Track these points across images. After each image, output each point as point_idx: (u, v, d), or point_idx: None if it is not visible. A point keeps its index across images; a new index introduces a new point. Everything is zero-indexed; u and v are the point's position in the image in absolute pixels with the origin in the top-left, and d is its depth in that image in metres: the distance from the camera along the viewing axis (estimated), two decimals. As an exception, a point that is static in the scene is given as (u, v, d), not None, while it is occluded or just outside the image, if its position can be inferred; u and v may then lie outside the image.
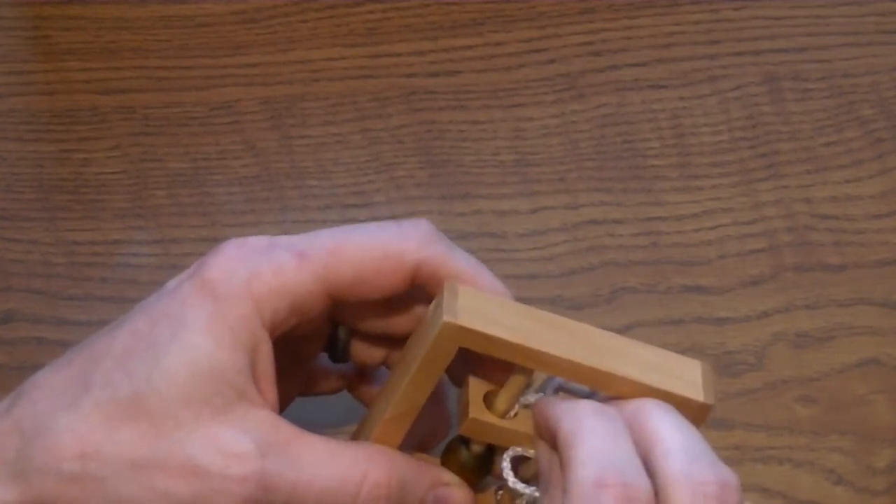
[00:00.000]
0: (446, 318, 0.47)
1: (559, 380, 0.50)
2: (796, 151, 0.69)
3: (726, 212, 0.67)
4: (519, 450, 0.50)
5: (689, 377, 0.49)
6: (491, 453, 0.51)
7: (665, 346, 0.49)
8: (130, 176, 0.67)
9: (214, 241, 0.64)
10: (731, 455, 0.60)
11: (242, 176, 0.67)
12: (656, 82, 0.70)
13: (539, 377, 0.50)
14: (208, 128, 0.68)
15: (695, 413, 0.48)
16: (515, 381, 0.49)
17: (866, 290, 0.65)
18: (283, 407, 0.49)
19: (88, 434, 0.46)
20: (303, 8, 0.72)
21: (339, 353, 0.53)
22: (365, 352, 0.53)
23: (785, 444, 0.61)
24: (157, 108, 0.68)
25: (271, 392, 0.48)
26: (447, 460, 0.52)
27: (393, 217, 0.66)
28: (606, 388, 0.48)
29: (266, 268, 0.48)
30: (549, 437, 0.47)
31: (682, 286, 0.65)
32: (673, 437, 0.45)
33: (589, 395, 0.49)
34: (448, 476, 0.51)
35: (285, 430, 0.48)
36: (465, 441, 0.51)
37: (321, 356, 0.54)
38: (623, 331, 0.63)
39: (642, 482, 0.44)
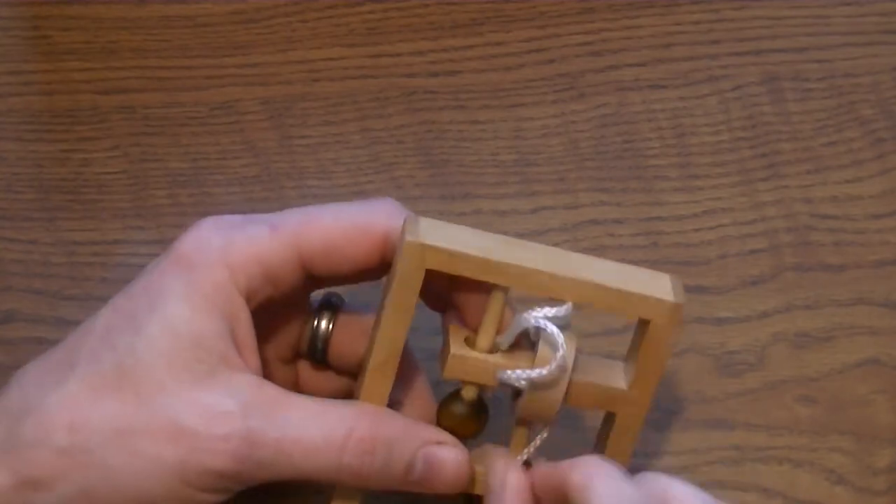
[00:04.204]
0: (409, 237, 0.48)
1: (532, 317, 0.50)
2: (796, 151, 0.69)
3: (726, 212, 0.67)
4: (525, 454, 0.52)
5: (658, 284, 0.50)
6: (484, 403, 0.52)
7: (665, 345, 0.49)
8: (130, 176, 0.67)
9: (214, 241, 0.65)
10: (732, 455, 0.60)
11: (242, 176, 0.67)
12: (656, 82, 0.70)
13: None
14: (208, 128, 0.68)
15: (668, 315, 0.49)
16: (491, 318, 0.50)
17: (866, 290, 0.65)
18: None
19: (75, 407, 0.47)
20: (303, 8, 0.72)
21: (318, 352, 0.54)
22: (344, 353, 0.54)
23: (785, 444, 0.61)
24: (157, 108, 0.68)
25: (254, 358, 0.49)
26: (442, 417, 0.52)
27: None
28: (576, 297, 0.49)
29: (240, 237, 0.50)
30: (556, 495, 0.48)
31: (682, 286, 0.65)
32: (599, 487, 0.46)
33: (567, 323, 0.50)
34: (442, 435, 0.51)
35: (270, 391, 0.49)
36: (457, 396, 0.52)
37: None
38: (623, 330, 0.63)
39: None
